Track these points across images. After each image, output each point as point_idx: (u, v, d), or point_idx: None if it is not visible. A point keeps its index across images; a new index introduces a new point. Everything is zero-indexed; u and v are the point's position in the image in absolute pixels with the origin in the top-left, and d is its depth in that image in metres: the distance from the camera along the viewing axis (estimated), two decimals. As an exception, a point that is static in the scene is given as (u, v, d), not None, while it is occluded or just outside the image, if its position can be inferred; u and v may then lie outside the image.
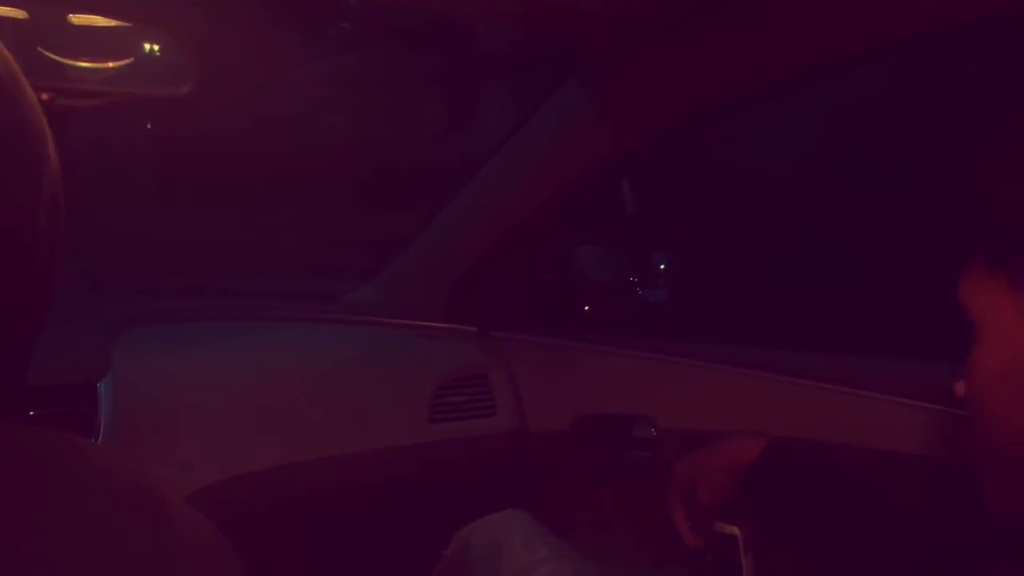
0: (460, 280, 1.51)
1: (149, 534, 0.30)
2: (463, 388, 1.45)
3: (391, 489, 1.37)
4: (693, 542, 1.02)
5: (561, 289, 1.57)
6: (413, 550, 1.29)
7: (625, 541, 1.41)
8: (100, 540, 0.28)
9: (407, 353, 1.46)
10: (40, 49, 0.92)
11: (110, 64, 1.00)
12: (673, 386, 1.36)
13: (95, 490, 0.30)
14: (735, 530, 0.97)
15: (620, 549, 1.41)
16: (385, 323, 1.51)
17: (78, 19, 0.95)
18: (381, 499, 1.37)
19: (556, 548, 1.11)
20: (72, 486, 0.30)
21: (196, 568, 0.32)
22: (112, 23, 0.98)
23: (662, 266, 1.56)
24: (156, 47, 1.04)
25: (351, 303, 1.59)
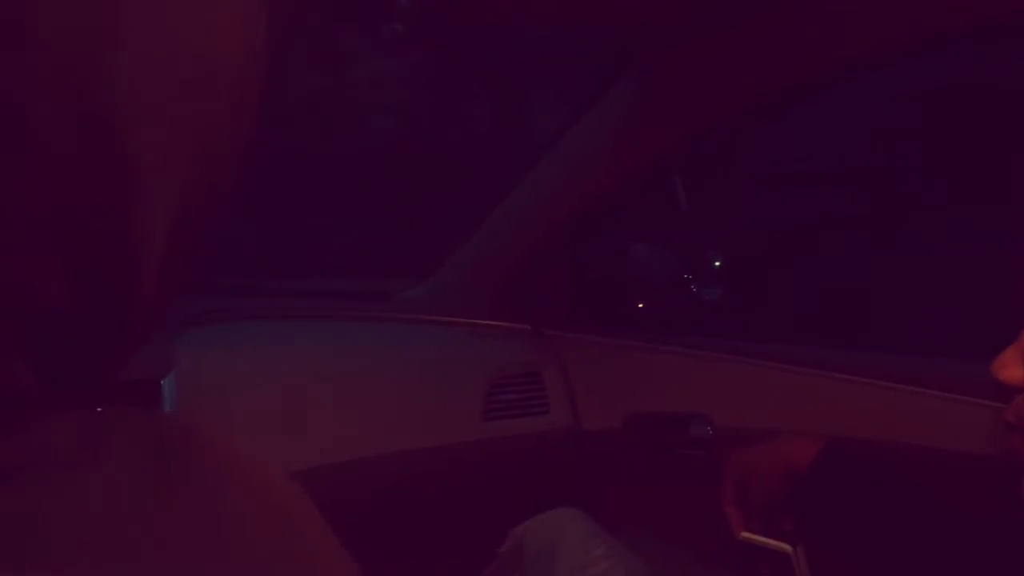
0: (513, 278, 1.52)
1: (276, 526, 0.30)
2: (516, 386, 1.45)
3: (445, 486, 1.38)
4: (747, 543, 1.01)
5: (614, 287, 1.56)
6: (467, 548, 1.29)
7: (678, 541, 1.39)
8: (233, 528, 0.28)
9: (461, 351, 1.47)
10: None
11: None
12: (730, 385, 1.35)
13: (226, 477, 0.30)
14: (788, 547, 0.95)
15: (673, 549, 1.40)
16: (439, 321, 1.52)
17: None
18: (435, 496, 1.38)
19: (611, 547, 1.11)
20: (202, 471, 0.30)
21: (318, 567, 0.31)
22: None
23: (717, 263, 1.55)
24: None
25: (405, 302, 1.60)
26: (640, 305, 1.53)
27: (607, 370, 1.49)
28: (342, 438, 1.25)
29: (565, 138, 1.40)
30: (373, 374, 1.34)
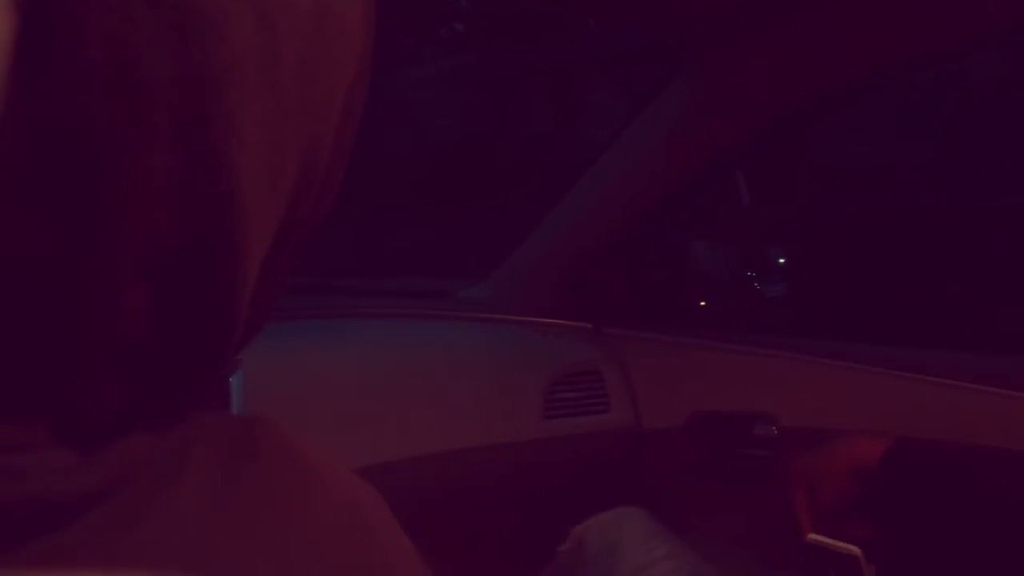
0: (573, 276, 1.51)
1: (357, 537, 0.30)
2: (577, 384, 1.45)
3: (505, 485, 1.38)
4: (814, 545, 0.99)
5: (675, 285, 1.54)
6: (527, 546, 1.29)
7: (742, 542, 1.38)
8: (319, 532, 0.28)
9: (520, 349, 1.47)
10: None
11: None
12: (796, 383, 1.32)
13: (309, 482, 0.30)
14: (856, 550, 0.93)
15: (736, 550, 1.38)
16: (498, 320, 1.52)
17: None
18: (495, 495, 1.38)
19: (674, 546, 1.09)
20: (291, 476, 0.29)
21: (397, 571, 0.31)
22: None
23: (780, 260, 1.52)
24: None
25: (464, 300, 1.61)
26: (702, 303, 1.51)
27: (668, 368, 1.47)
28: (401, 436, 1.26)
29: (624, 135, 1.39)
30: (432, 373, 1.35)
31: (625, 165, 1.40)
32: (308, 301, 1.45)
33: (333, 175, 0.32)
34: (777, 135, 1.33)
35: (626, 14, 1.21)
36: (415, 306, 1.52)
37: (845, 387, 1.26)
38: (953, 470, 0.93)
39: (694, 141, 1.33)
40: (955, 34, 1.01)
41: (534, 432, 1.38)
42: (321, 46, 0.27)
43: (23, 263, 0.21)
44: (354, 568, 0.28)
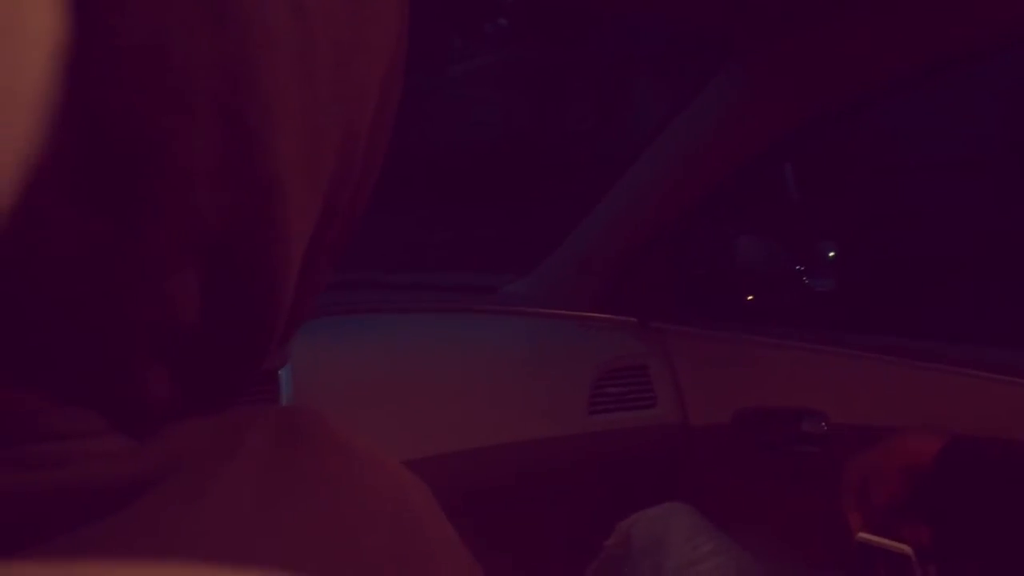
0: (618, 270, 1.51)
1: (404, 527, 0.30)
2: (622, 379, 1.44)
3: (551, 479, 1.38)
4: (864, 544, 0.97)
5: (722, 279, 1.53)
6: (573, 540, 1.29)
7: (789, 539, 1.36)
8: (365, 523, 0.29)
9: (566, 344, 1.47)
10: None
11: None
12: (844, 380, 1.30)
13: (360, 474, 0.31)
14: (908, 550, 0.91)
15: (783, 547, 1.37)
16: (544, 314, 1.52)
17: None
18: (541, 489, 1.38)
19: (720, 543, 1.09)
20: (338, 467, 0.29)
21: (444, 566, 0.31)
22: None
23: (831, 254, 1.50)
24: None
25: (509, 295, 1.61)
26: (749, 298, 1.50)
27: (715, 364, 1.46)
28: (448, 430, 1.27)
29: (669, 129, 1.38)
30: (479, 367, 1.36)
31: (670, 159, 1.39)
32: (355, 297, 1.46)
33: (371, 164, 0.32)
34: (825, 130, 1.31)
35: (669, 8, 1.20)
36: (461, 301, 1.52)
37: (896, 383, 1.24)
38: (1010, 468, 0.91)
39: (738, 135, 1.31)
40: (1014, 25, 0.99)
41: (580, 427, 1.38)
42: (354, 33, 0.27)
43: (73, 250, 0.21)
44: (401, 558, 0.28)
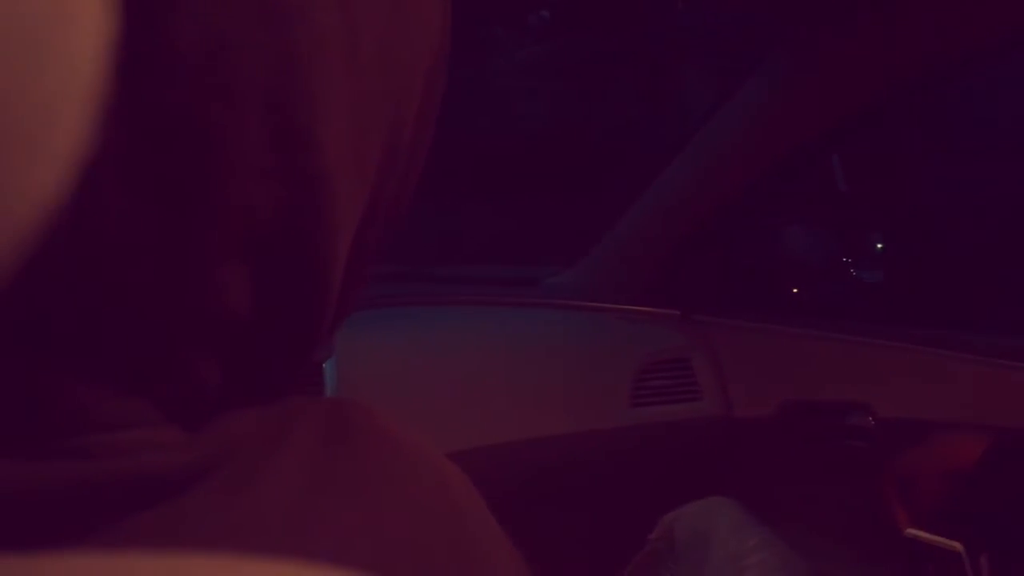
0: (662, 263, 1.50)
1: (447, 518, 0.30)
2: (665, 372, 1.43)
3: (593, 472, 1.38)
4: (912, 540, 0.96)
5: (767, 271, 1.51)
6: (616, 533, 1.29)
7: (835, 534, 1.34)
8: (413, 518, 0.29)
9: (609, 336, 1.46)
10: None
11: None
12: (892, 373, 1.28)
13: (407, 465, 0.31)
14: (957, 546, 0.89)
15: (829, 542, 1.35)
16: (586, 307, 1.52)
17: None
18: (584, 482, 1.38)
19: (765, 537, 1.08)
20: (386, 459, 0.30)
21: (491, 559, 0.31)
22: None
23: (879, 245, 1.47)
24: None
25: (552, 287, 1.61)
26: (795, 290, 1.48)
27: (759, 356, 1.45)
28: (491, 423, 1.28)
29: (714, 119, 1.37)
30: (521, 360, 1.36)
31: (714, 151, 1.38)
32: (398, 289, 1.47)
33: (416, 157, 0.33)
34: (875, 116, 1.29)
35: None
36: (504, 294, 1.53)
37: (945, 376, 1.22)
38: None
39: (785, 125, 1.30)
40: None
41: (622, 420, 1.38)
42: (398, 29, 0.28)
43: (127, 239, 0.22)
44: (444, 549, 0.29)
